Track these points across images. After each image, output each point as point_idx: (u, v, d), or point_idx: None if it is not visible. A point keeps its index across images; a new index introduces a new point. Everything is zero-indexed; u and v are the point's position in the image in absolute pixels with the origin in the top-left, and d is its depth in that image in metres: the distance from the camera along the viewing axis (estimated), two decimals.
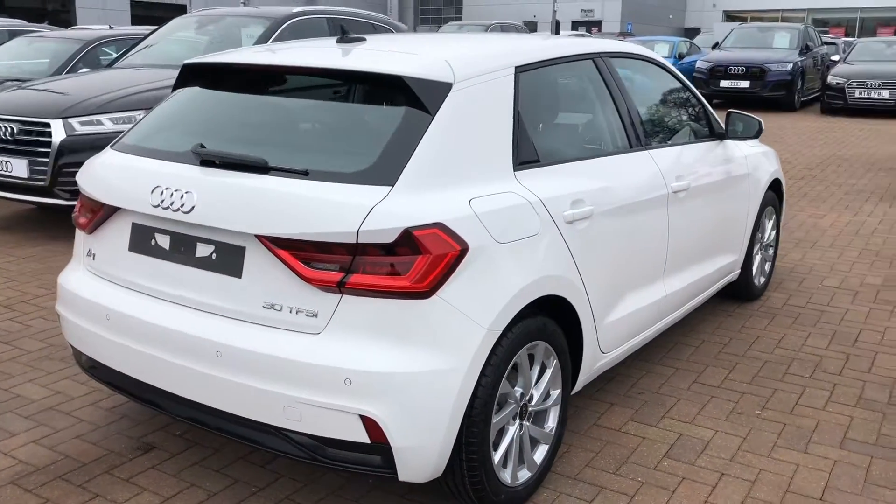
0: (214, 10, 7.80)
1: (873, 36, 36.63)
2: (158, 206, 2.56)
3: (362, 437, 2.29)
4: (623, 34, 36.38)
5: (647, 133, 3.51)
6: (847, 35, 38.84)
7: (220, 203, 2.44)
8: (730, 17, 46.50)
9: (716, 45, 18.11)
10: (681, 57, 19.28)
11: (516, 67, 2.85)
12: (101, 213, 2.81)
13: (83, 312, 2.81)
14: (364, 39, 3.04)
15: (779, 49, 17.32)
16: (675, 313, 3.71)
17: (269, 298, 2.39)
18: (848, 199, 7.96)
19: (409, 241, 2.26)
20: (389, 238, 2.25)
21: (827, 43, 20.23)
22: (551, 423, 2.84)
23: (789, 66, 16.08)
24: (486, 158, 2.60)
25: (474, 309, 2.37)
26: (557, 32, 25.41)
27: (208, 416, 2.55)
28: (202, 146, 2.58)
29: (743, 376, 3.78)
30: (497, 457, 2.57)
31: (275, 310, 2.38)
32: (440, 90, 2.54)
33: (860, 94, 15.53)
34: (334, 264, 2.29)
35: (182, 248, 2.58)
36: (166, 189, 2.55)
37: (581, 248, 2.84)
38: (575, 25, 40.80)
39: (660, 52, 18.50)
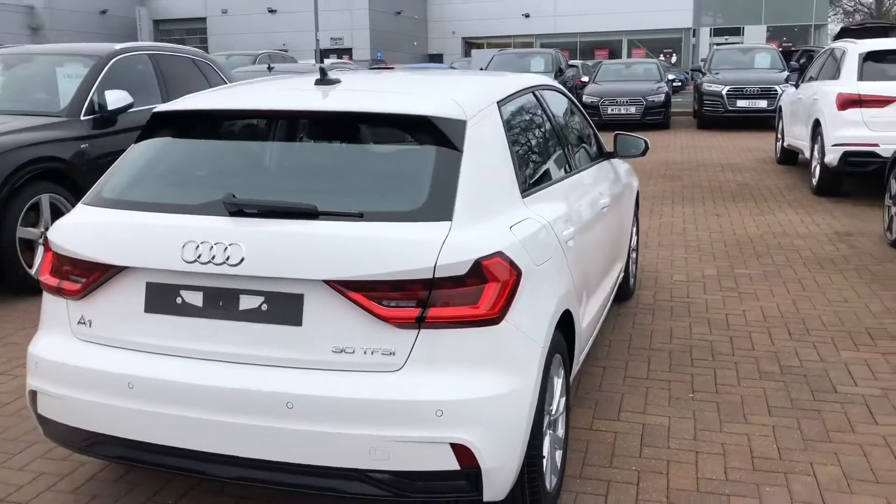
0: (21, 46, 7.13)
1: (591, 58, 40.89)
2: (195, 261, 2.45)
3: (452, 464, 2.36)
4: (375, 61, 37.41)
5: (576, 156, 3.86)
6: (570, 57, 42.93)
7: (275, 252, 2.40)
8: (468, 43, 49.36)
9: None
10: None
11: (497, 102, 3.06)
12: (98, 276, 2.61)
13: (88, 385, 2.59)
14: (340, 81, 3.09)
15: (537, 73, 18.87)
16: (602, 316, 4.10)
17: (339, 342, 2.39)
18: (647, 203, 8.97)
19: (478, 272, 2.38)
20: (462, 270, 2.36)
21: (571, 65, 22.33)
22: (561, 429, 3.06)
23: None
24: (503, 187, 2.78)
25: (532, 329, 2.54)
26: (322, 61, 25.63)
27: (267, 473, 2.47)
28: (234, 196, 2.51)
29: (661, 366, 4.25)
30: (544, 466, 2.75)
31: (346, 353, 2.39)
32: (459, 127, 2.68)
33: (612, 110, 17.37)
34: (410, 301, 2.35)
35: (220, 302, 2.49)
36: (203, 243, 2.45)
37: (572, 263, 3.11)
38: (326, 53, 41.20)
39: None
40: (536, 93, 3.66)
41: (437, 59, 47.17)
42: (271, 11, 44.58)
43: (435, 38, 50.70)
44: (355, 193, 2.58)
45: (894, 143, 7.81)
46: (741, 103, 16.59)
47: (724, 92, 16.62)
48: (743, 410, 3.71)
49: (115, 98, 6.38)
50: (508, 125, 3.07)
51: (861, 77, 8.56)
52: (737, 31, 44.96)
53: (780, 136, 11.88)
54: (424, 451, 2.35)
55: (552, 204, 3.09)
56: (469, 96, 2.91)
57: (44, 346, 2.73)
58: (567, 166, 3.65)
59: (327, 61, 25.56)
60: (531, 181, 3.07)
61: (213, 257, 2.43)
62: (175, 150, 2.86)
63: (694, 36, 45.08)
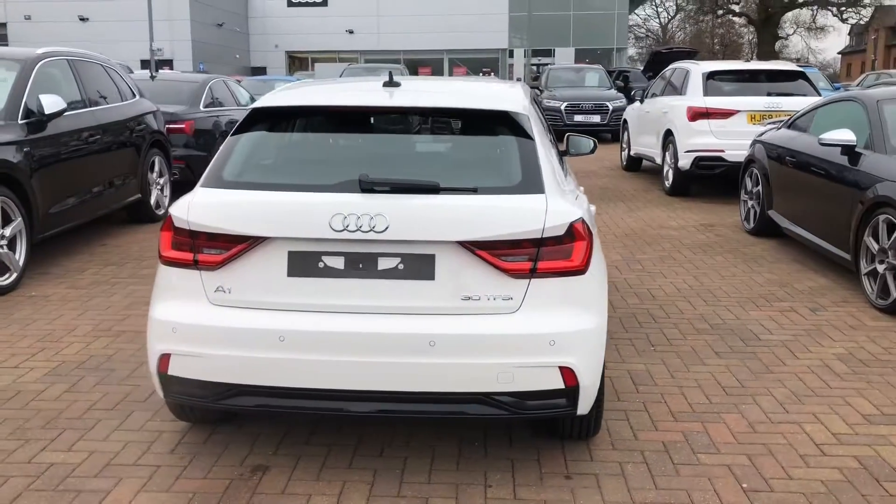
0: None
1: (415, 74, 42.41)
2: (343, 230, 2.92)
3: (559, 384, 2.98)
4: (200, 73, 36.60)
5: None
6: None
7: (414, 221, 2.92)
8: (292, 57, 49.46)
9: None
10: None
11: (529, 101, 3.72)
12: (242, 247, 2.99)
13: (235, 342, 2.96)
14: (400, 84, 3.61)
15: None
16: None
17: (466, 292, 2.95)
18: None
19: (571, 233, 3.03)
20: (562, 231, 3.00)
21: None
22: None
23: None
24: (558, 168, 3.43)
25: (601, 279, 3.23)
26: (157, 70, 24.91)
27: (403, 404, 2.98)
28: (368, 176, 3.00)
29: (617, 328, 5.06)
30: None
31: (473, 300, 2.96)
32: (526, 120, 3.32)
33: None
34: (524, 256, 2.96)
35: (360, 265, 2.97)
36: (350, 215, 2.92)
37: None
38: (145, 64, 39.74)
39: None
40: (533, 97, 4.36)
41: (260, 71, 46.75)
42: (82, 20, 42.35)
43: (257, 52, 50.19)
44: (460, 173, 3.15)
45: (737, 149, 9.21)
46: (578, 118, 18.14)
47: (562, 108, 18.13)
48: (698, 356, 4.59)
49: (50, 102, 6.39)
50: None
51: (706, 93, 9.99)
52: (548, 53, 48.05)
53: (625, 145, 13.33)
54: (539, 374, 2.96)
55: (574, 185, 3.80)
56: (518, 96, 3.55)
57: (178, 314, 3.06)
58: (560, 157, 4.37)
59: (163, 72, 24.86)
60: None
61: (360, 226, 2.92)
62: (282, 140, 3.28)
63: (511, 56, 47.72)
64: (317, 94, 3.47)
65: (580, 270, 3.05)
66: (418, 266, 2.97)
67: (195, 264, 3.06)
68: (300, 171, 3.19)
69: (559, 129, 18.32)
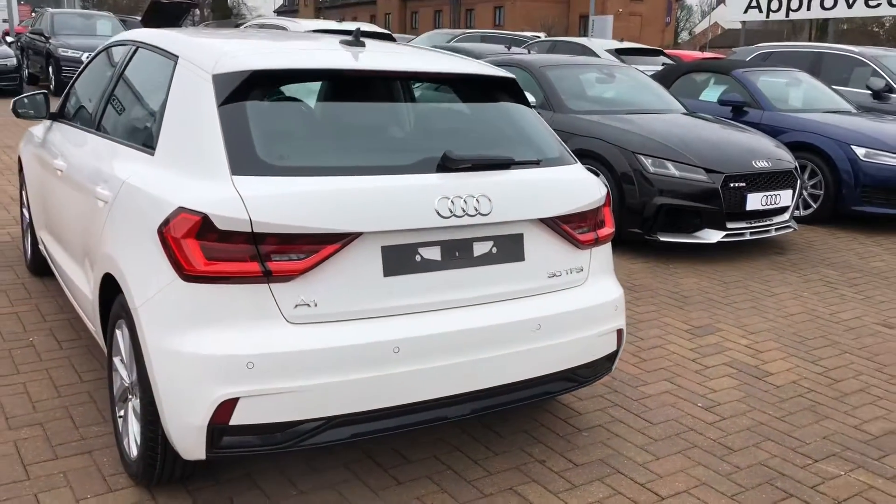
0: None
1: None
2: (450, 216, 2.54)
3: (613, 346, 3.08)
4: None
5: None
6: None
7: (509, 199, 2.70)
8: None
9: None
10: None
11: None
12: (332, 248, 2.40)
13: (339, 366, 2.40)
14: (364, 44, 3.12)
15: None
16: None
17: (551, 268, 2.86)
18: None
19: (607, 200, 3.11)
20: (604, 200, 3.07)
21: None
22: None
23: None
24: None
25: None
26: None
27: (500, 397, 2.76)
28: (453, 153, 2.63)
29: None
30: None
31: (556, 276, 2.87)
32: (520, 88, 3.22)
33: None
34: (589, 226, 2.97)
35: (456, 253, 2.63)
36: (456, 198, 2.55)
37: None
38: None
39: None
40: None
41: None
42: None
43: None
44: (505, 145, 2.96)
45: None
46: None
47: (82, 57, 16.14)
48: None
49: None
50: None
51: None
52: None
53: None
54: (606, 340, 3.03)
55: None
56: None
57: (249, 344, 2.33)
58: None
59: None
60: None
61: (466, 210, 2.59)
62: (303, 111, 2.64)
63: None
64: (317, 54, 2.81)
65: (611, 236, 3.17)
66: (509, 247, 2.77)
67: (266, 276, 2.34)
68: (359, 149, 2.61)
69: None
